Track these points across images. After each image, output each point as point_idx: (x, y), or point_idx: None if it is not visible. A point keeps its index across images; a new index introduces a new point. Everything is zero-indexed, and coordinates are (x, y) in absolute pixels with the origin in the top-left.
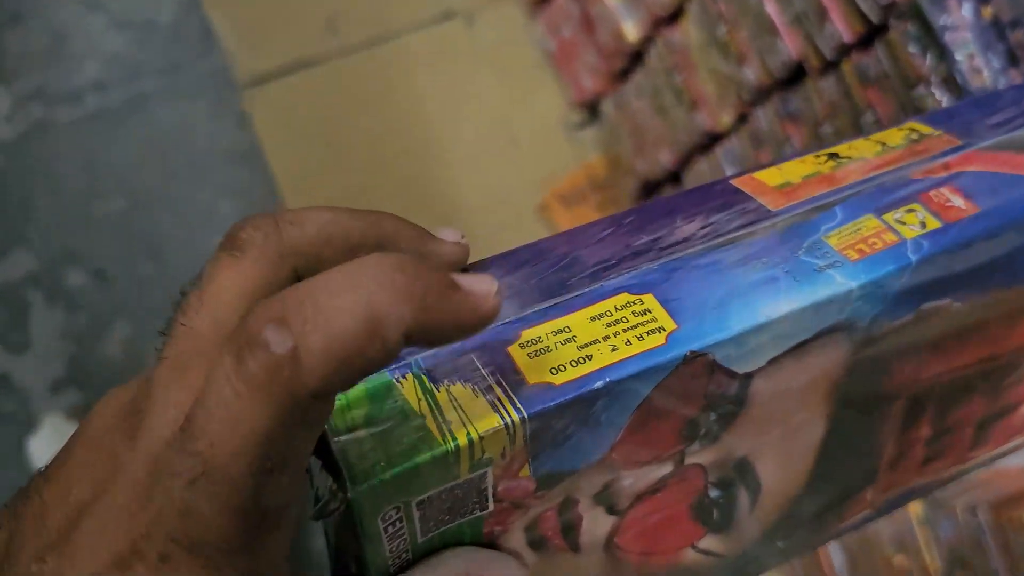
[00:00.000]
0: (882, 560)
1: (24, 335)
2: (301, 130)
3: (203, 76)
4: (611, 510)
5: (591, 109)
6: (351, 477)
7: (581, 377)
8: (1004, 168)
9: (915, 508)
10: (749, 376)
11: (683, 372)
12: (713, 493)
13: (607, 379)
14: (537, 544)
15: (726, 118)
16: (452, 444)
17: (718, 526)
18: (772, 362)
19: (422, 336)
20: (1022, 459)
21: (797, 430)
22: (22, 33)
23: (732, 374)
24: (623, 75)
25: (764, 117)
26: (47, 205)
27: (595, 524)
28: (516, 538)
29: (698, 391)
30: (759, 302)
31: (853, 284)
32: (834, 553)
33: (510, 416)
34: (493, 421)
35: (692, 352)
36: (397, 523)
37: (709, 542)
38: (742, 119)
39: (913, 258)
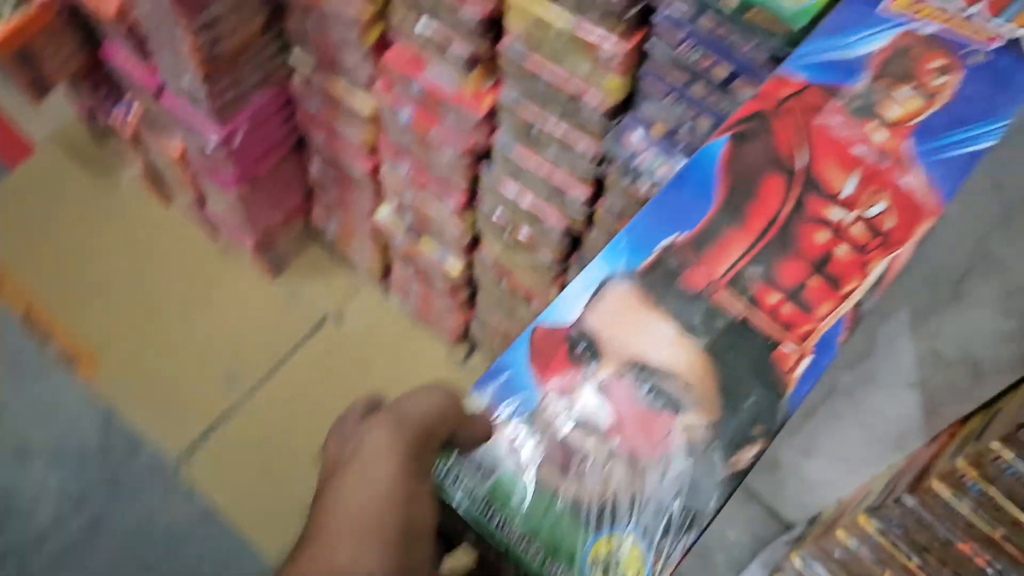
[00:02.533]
0: None
1: None
2: (245, 478)
3: (144, 471)
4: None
5: (465, 338)
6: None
7: None
8: None
9: (866, 524)
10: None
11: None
12: (644, 388)
13: None
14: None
15: (554, 294)
16: None
17: (676, 407)
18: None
19: (459, 435)
20: (901, 455)
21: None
22: None
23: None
24: (471, 301)
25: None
26: None
27: (583, 442)
28: None
29: (558, 347)
30: None
31: None
32: None
33: None
34: None
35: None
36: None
37: (684, 419)
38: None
39: None
